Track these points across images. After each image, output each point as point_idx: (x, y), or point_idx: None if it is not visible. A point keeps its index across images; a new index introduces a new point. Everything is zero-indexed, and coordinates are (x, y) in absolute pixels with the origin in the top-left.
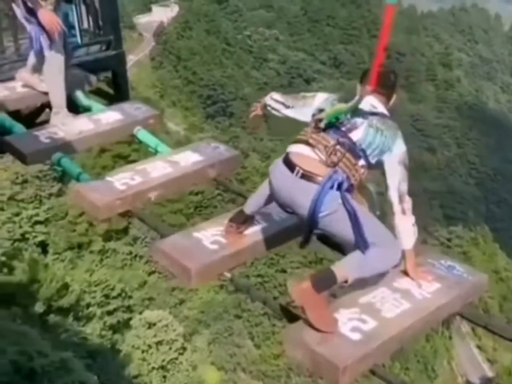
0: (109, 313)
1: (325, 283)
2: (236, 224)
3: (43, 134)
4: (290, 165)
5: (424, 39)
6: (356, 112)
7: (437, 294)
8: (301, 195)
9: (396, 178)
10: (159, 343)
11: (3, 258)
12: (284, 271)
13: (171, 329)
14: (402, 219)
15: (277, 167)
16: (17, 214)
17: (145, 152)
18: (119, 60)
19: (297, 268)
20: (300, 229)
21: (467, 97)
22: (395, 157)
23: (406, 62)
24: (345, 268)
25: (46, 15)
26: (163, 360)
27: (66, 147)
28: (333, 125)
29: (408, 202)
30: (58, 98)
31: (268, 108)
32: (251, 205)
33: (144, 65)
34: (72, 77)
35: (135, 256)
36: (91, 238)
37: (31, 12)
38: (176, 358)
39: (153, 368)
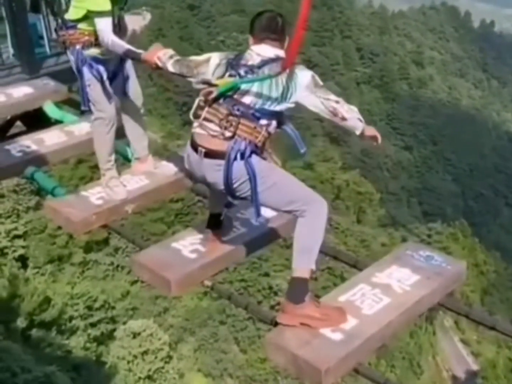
0: (93, 325)
1: (300, 292)
2: (212, 229)
3: (14, 148)
4: (194, 146)
5: (396, 38)
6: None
7: (417, 287)
8: (210, 173)
9: (318, 103)
10: (144, 352)
11: None
12: (267, 274)
13: (156, 338)
14: (345, 122)
15: (187, 150)
16: None
17: (122, 163)
18: None
19: (280, 271)
20: None
21: (440, 95)
22: (305, 90)
23: (379, 62)
24: (301, 264)
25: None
26: (149, 370)
27: (39, 160)
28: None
29: (340, 108)
30: (100, 161)
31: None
32: (211, 204)
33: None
34: (42, 88)
35: (117, 266)
36: (71, 250)
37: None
38: (162, 367)
39: (140, 378)
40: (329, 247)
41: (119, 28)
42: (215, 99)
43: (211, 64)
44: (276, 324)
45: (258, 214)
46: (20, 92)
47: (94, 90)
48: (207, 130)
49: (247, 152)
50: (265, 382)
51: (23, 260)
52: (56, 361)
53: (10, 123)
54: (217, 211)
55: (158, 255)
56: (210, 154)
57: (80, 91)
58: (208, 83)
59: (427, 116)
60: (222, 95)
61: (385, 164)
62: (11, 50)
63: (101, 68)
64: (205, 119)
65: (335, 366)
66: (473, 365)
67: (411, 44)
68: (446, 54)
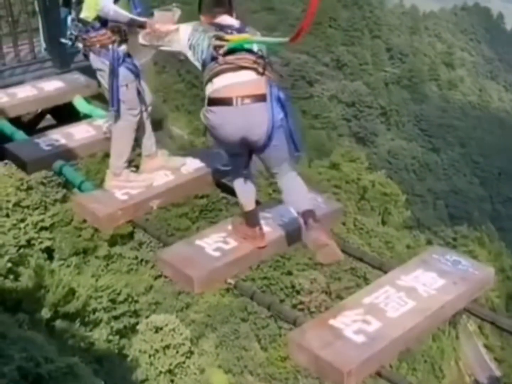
0: (116, 318)
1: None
2: (259, 225)
3: (44, 142)
4: (224, 102)
5: (427, 39)
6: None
7: (443, 291)
8: (252, 117)
9: None
10: (166, 347)
11: (9, 265)
12: (290, 273)
13: (178, 333)
14: None
15: (212, 114)
16: (23, 220)
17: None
18: None
19: (303, 270)
20: None
21: (470, 97)
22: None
23: (408, 63)
24: (310, 203)
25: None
26: (171, 364)
27: (68, 154)
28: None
29: None
30: (117, 160)
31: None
32: (248, 200)
33: (147, 70)
34: (72, 82)
35: (141, 260)
36: (96, 243)
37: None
38: (184, 362)
39: (161, 372)
40: (354, 249)
41: None
42: (226, 53)
43: (182, 30)
44: (296, 320)
45: (297, 148)
46: (51, 86)
47: (131, 89)
48: (233, 79)
49: (280, 95)
50: (286, 381)
51: (49, 252)
52: (79, 352)
53: (40, 116)
54: (254, 206)
55: (183, 252)
56: (248, 99)
57: (110, 91)
58: (220, 38)
59: (456, 118)
60: (233, 49)
61: (411, 166)
62: (43, 44)
63: (136, 66)
64: (231, 70)
65: (357, 368)
66: (496, 371)
67: (442, 45)
68: (477, 55)
